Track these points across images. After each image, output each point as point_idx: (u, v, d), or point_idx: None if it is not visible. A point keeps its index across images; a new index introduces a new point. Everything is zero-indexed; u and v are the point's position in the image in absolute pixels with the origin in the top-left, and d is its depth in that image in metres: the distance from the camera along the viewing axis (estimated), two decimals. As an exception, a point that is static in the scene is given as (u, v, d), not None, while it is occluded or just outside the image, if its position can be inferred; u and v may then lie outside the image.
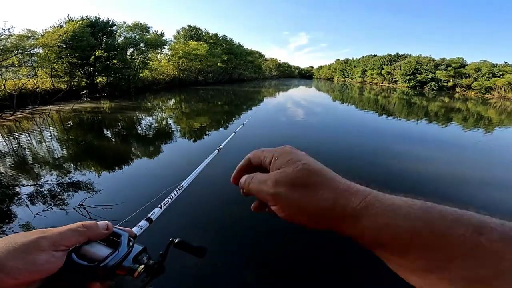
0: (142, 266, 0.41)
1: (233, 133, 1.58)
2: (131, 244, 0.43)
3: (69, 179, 4.01)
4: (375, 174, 4.64)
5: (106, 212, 3.01)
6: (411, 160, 5.70)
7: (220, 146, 1.29)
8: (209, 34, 35.52)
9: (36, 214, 2.98)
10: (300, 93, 26.23)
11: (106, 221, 0.42)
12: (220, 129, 8.22)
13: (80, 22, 14.38)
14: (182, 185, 0.78)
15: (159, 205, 0.65)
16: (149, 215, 0.59)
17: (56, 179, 3.98)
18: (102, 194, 3.49)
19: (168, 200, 0.69)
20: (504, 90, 32.11)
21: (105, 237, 0.41)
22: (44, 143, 5.89)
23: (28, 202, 3.26)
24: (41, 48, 12.73)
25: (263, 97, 20.56)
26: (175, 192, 0.75)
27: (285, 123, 9.44)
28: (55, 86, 13.54)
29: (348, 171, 4.78)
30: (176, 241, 0.46)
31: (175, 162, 5.06)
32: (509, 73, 32.78)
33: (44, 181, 3.87)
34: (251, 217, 3.04)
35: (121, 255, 0.39)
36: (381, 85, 51.06)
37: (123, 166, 4.67)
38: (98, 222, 0.41)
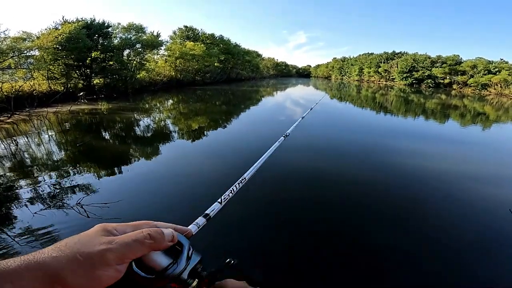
0: (196, 281, 0.38)
1: (301, 118, 1.64)
2: (190, 254, 0.39)
3: (66, 179, 4.00)
4: (376, 170, 4.67)
5: (104, 211, 3.03)
6: (410, 157, 5.74)
7: (287, 133, 1.28)
8: (205, 34, 35.44)
9: (35, 213, 3.00)
10: (298, 92, 26.25)
11: (172, 230, 0.39)
12: (219, 129, 8.23)
13: (76, 24, 14.31)
14: (245, 177, 0.72)
15: (219, 200, 0.60)
16: (207, 211, 0.55)
17: (54, 179, 3.98)
18: (99, 193, 3.52)
19: (229, 195, 0.64)
20: (501, 86, 32.28)
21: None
22: (42, 145, 5.87)
23: (27, 202, 3.28)
24: (37, 50, 12.67)
25: (261, 96, 20.55)
26: (236, 185, 0.69)
27: (284, 122, 9.47)
28: (52, 88, 13.49)
29: (349, 165, 4.81)
30: (233, 262, 0.44)
31: (170, 163, 5.06)
32: (505, 70, 32.95)
33: (42, 182, 3.87)
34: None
35: (181, 268, 0.36)
36: (379, 83, 51.20)
37: (120, 167, 4.66)
38: (164, 232, 0.37)
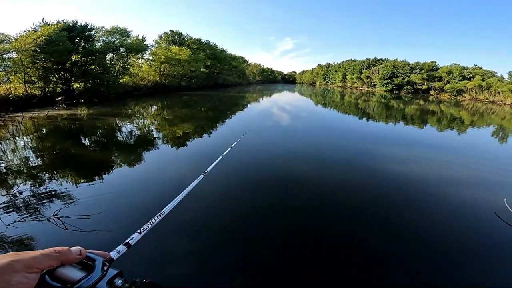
0: None
1: (220, 157, 1.53)
2: (105, 268, 0.45)
3: (43, 188, 3.84)
4: (361, 175, 4.77)
5: (83, 222, 2.91)
6: (391, 161, 5.91)
7: (206, 171, 1.23)
8: (191, 39, 35.27)
9: (8, 225, 2.84)
10: (284, 98, 26.54)
11: (79, 247, 0.45)
12: (204, 135, 8.16)
13: (56, 26, 13.88)
14: (164, 211, 0.75)
15: (138, 230, 0.64)
16: (127, 240, 0.58)
17: (29, 188, 3.81)
18: (78, 204, 3.37)
19: (148, 226, 0.67)
20: (475, 92, 34.00)
21: (78, 261, 0.44)
22: (17, 152, 5.60)
23: (0, 213, 3.10)
24: (14, 52, 12.16)
25: (247, 102, 20.62)
26: (155, 218, 0.72)
27: (272, 127, 9.53)
28: (29, 92, 12.94)
29: (333, 169, 4.89)
30: (144, 281, 0.48)
31: (152, 171, 4.97)
32: (479, 75, 34.83)
33: (17, 191, 3.70)
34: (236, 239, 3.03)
35: (95, 278, 0.42)
36: (361, 89, 52.60)
37: (101, 176, 4.52)
38: (71, 248, 0.43)
